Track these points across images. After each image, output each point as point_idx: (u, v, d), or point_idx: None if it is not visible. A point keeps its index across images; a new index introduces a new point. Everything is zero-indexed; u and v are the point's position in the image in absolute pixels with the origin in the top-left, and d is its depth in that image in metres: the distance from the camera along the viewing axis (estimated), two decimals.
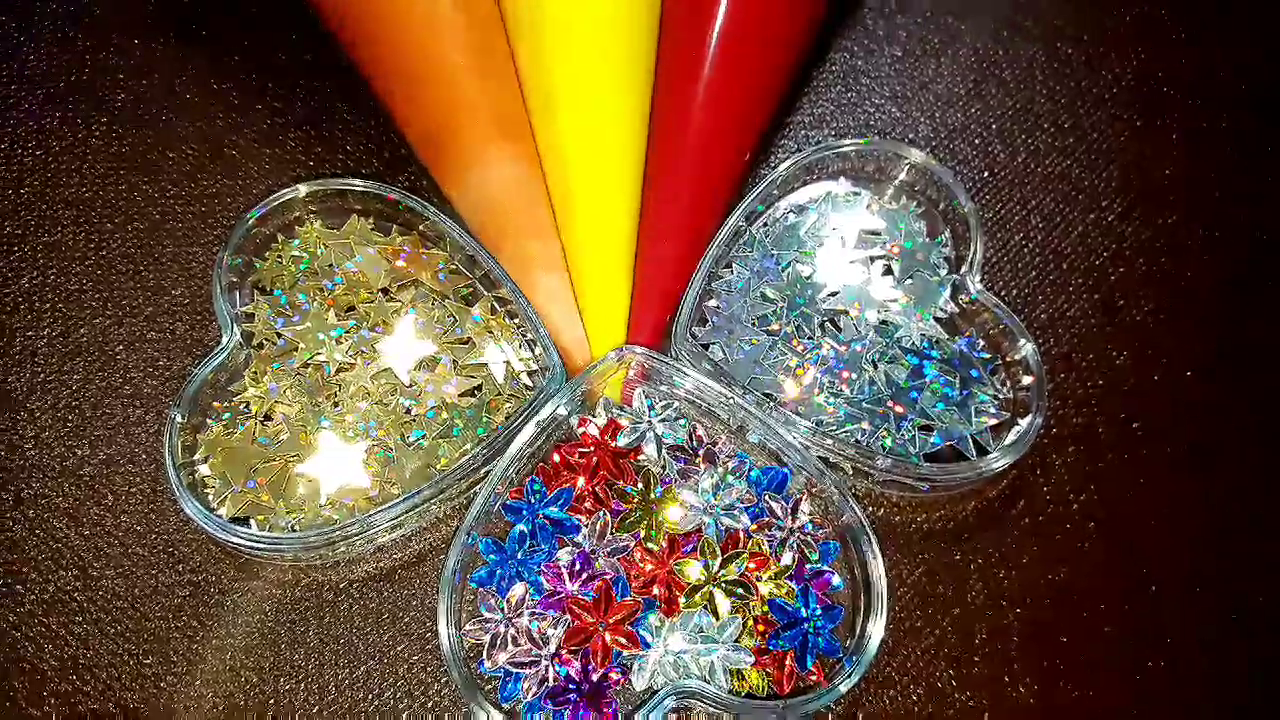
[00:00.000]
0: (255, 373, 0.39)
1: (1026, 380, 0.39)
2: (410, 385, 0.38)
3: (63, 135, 0.44)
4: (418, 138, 0.41)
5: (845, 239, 0.42)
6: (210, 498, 0.36)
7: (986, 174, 0.46)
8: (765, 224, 0.43)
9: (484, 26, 0.40)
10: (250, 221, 0.39)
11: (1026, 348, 0.39)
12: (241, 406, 0.38)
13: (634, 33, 0.41)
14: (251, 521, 0.36)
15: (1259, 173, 0.47)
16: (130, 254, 0.42)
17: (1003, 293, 0.44)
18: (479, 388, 0.39)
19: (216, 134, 0.44)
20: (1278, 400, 0.42)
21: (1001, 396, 0.39)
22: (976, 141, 0.47)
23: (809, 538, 0.36)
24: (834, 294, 0.41)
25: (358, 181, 0.41)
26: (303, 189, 0.40)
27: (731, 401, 0.37)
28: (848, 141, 0.43)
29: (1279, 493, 0.41)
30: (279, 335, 0.39)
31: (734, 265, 0.42)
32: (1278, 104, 0.48)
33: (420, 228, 0.41)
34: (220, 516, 0.36)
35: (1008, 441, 0.38)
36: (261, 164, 0.44)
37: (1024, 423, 0.38)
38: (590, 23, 0.39)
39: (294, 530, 0.36)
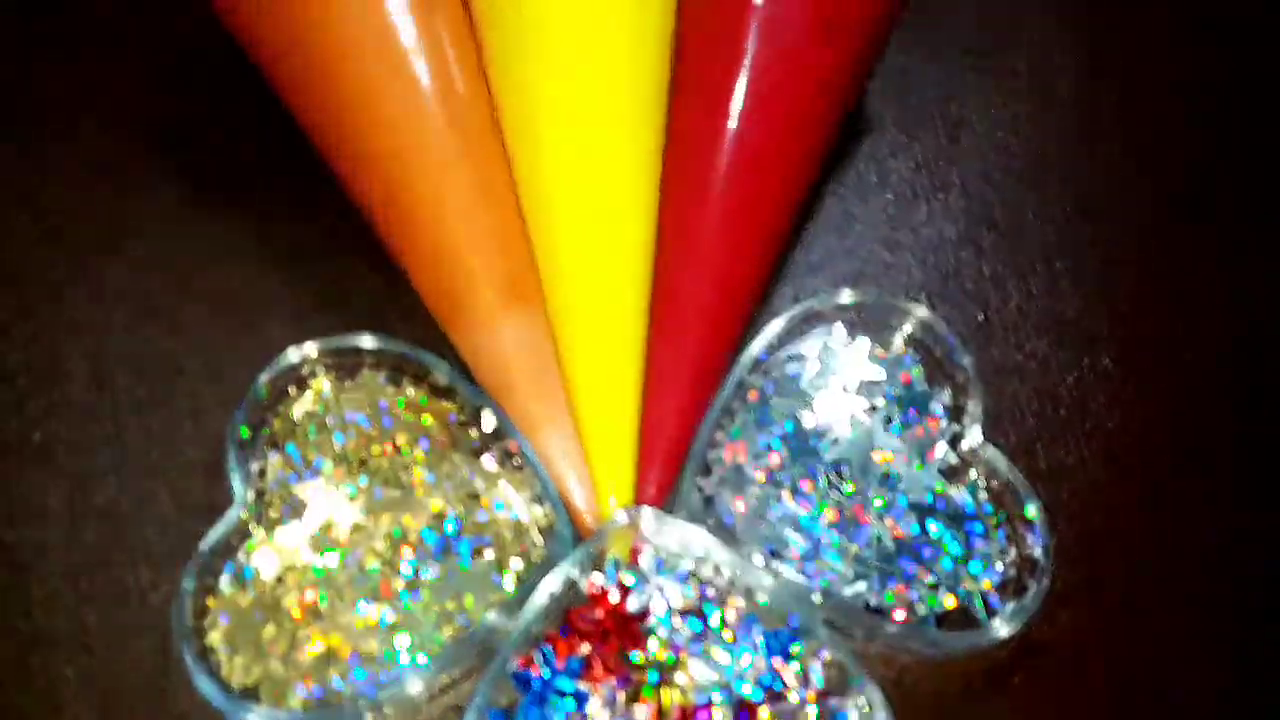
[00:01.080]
0: (267, 533, 0.39)
1: (1032, 538, 0.39)
2: (420, 545, 0.39)
3: (77, 284, 0.45)
4: (428, 298, 0.42)
5: (846, 388, 0.43)
6: (221, 666, 0.36)
7: (981, 318, 0.48)
8: (766, 373, 0.44)
9: (497, 195, 0.41)
10: (261, 383, 0.40)
11: (1031, 505, 0.40)
12: (251, 569, 0.38)
13: (638, 197, 0.42)
14: (261, 690, 0.36)
15: (1258, 315, 0.48)
16: (143, 410, 0.42)
17: (1002, 441, 0.44)
18: (489, 546, 0.39)
19: (233, 286, 0.45)
20: None
21: (1008, 553, 0.40)
22: (969, 286, 0.48)
23: (820, 706, 0.36)
24: (835, 443, 0.42)
25: (368, 338, 0.42)
26: (312, 349, 0.41)
27: (739, 561, 0.38)
28: (847, 292, 0.44)
29: None
30: (291, 494, 0.39)
31: (737, 416, 0.42)
32: None
33: (430, 379, 0.42)
34: (231, 689, 0.36)
35: (1016, 603, 0.38)
36: (278, 316, 0.44)
37: (1031, 583, 0.39)
38: (594, 200, 0.41)
39: (305, 702, 0.36)
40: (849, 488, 0.41)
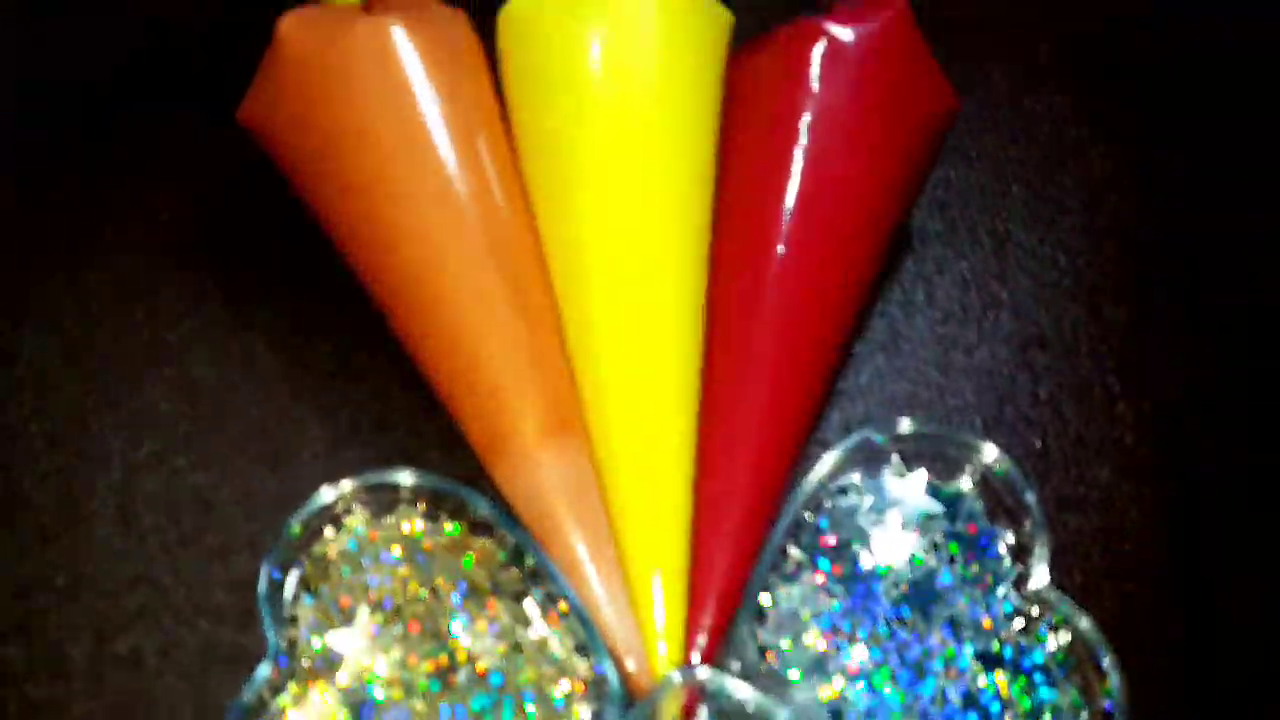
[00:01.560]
0: (300, 689, 0.37)
1: (1106, 693, 0.37)
2: (460, 700, 0.37)
3: (104, 413, 0.43)
4: (467, 429, 0.40)
5: (905, 524, 0.41)
6: None
7: (1038, 444, 0.46)
8: (820, 508, 0.42)
9: (538, 322, 0.40)
10: (293, 527, 0.38)
11: (1104, 655, 0.38)
12: None
13: (684, 325, 0.41)
14: None
15: None
16: (171, 551, 0.40)
17: (1066, 580, 0.42)
18: (533, 701, 0.37)
19: (266, 415, 0.43)
20: None
21: (1081, 709, 0.38)
22: (1025, 410, 0.47)
23: None
24: (896, 585, 0.40)
25: (405, 473, 0.40)
26: (347, 486, 0.39)
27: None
28: (905, 422, 0.42)
29: None
30: (325, 643, 0.37)
31: (791, 555, 0.41)
32: None
33: (471, 515, 0.40)
34: None
35: None
36: (312, 447, 0.43)
37: None
38: (640, 328, 0.40)
39: None
40: (910, 637, 0.38)
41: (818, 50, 0.43)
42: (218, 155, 0.48)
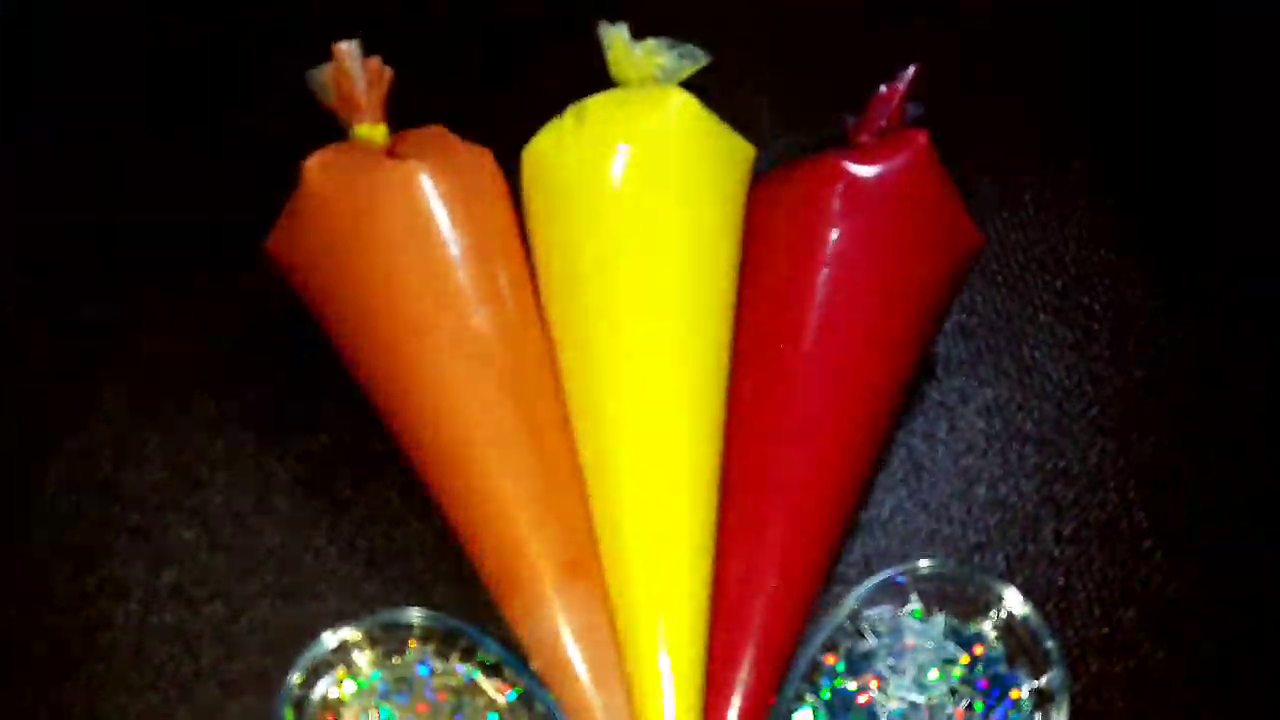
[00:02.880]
0: None
1: None
2: None
3: (123, 541, 0.44)
4: (481, 570, 0.40)
5: (923, 669, 0.41)
6: None
7: (1061, 583, 0.45)
8: (837, 651, 0.41)
9: (555, 466, 0.40)
10: (305, 668, 0.38)
11: None
12: None
13: (702, 467, 0.41)
14: None
15: None
16: (186, 686, 0.41)
17: None
18: None
19: (283, 549, 0.44)
20: None
21: None
22: (1049, 548, 0.46)
23: None
24: None
25: (416, 613, 0.40)
26: (348, 634, 0.39)
27: None
28: (925, 563, 0.42)
29: None
30: None
31: (807, 700, 0.40)
32: None
33: (480, 656, 0.40)
34: None
35: None
36: (330, 579, 0.43)
37: None
38: (658, 473, 0.39)
39: None
40: None
41: (838, 189, 0.43)
42: (242, 287, 0.49)
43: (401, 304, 0.40)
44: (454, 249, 0.41)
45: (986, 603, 0.42)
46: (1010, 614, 0.41)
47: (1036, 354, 0.52)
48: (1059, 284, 0.53)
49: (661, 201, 0.41)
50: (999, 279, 0.53)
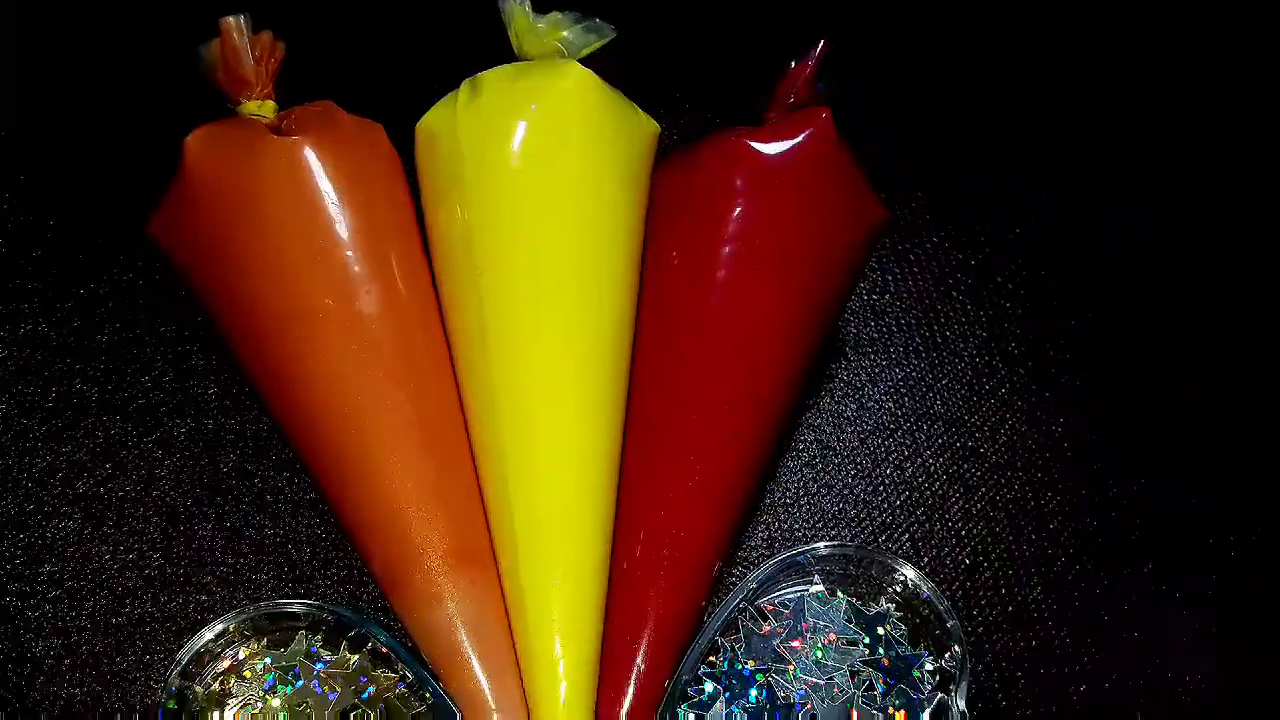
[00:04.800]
0: None
1: None
2: None
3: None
4: (371, 563, 0.39)
5: (823, 651, 0.40)
6: None
7: (967, 563, 0.45)
8: (736, 633, 0.41)
9: (446, 452, 0.39)
10: (185, 662, 0.37)
11: None
12: None
13: (599, 450, 0.40)
14: None
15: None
16: (64, 677, 0.39)
17: (990, 704, 0.41)
18: None
19: (170, 538, 0.43)
20: None
21: None
22: (955, 525, 0.46)
23: None
24: (812, 717, 0.39)
25: (298, 604, 0.39)
26: (229, 624, 0.38)
27: None
28: (824, 545, 0.41)
29: None
30: None
31: (706, 685, 0.39)
32: None
33: (370, 646, 0.39)
34: None
35: None
36: (217, 570, 0.42)
37: None
38: (552, 459, 0.39)
39: None
40: None
41: (741, 167, 0.42)
42: (126, 271, 0.47)
43: (285, 287, 0.39)
44: (341, 229, 0.39)
45: (889, 583, 0.41)
46: (913, 594, 0.41)
47: (948, 333, 0.51)
48: (973, 263, 0.53)
49: (559, 178, 0.40)
50: (911, 258, 0.53)
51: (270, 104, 0.42)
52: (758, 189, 0.42)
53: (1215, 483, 0.46)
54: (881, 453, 0.47)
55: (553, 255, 0.40)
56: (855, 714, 0.38)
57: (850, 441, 0.47)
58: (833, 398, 0.49)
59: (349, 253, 0.39)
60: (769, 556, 0.42)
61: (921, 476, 0.46)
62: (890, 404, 0.49)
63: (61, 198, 0.50)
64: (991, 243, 0.54)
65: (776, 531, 0.45)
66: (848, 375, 0.49)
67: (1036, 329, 0.51)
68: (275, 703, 0.38)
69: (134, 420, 0.44)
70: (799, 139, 0.42)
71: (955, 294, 0.52)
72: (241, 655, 0.39)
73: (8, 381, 0.45)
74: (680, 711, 0.38)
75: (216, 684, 0.38)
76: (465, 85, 0.41)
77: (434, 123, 0.41)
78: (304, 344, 0.39)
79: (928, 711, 0.39)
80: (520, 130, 0.40)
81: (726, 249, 0.41)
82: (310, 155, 0.39)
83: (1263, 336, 0.50)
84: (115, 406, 0.45)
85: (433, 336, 0.41)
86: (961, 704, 0.38)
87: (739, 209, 0.41)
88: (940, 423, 0.48)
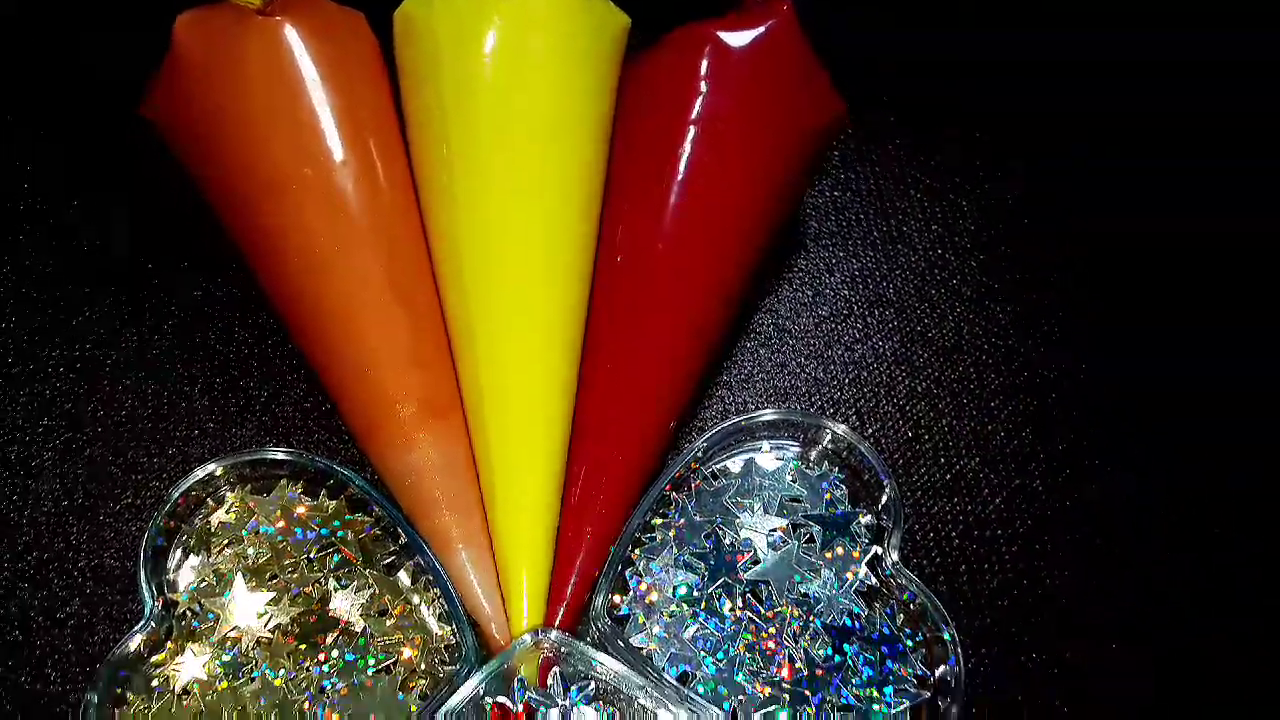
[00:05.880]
0: (176, 646, 0.39)
1: (946, 663, 0.39)
2: (328, 661, 0.38)
3: (4, 392, 0.46)
4: (351, 417, 0.42)
5: (768, 506, 0.43)
6: None
7: (909, 435, 0.48)
8: (688, 491, 0.44)
9: (417, 310, 0.42)
10: (174, 498, 0.40)
11: (946, 630, 0.39)
12: (160, 681, 0.38)
13: (564, 311, 0.42)
14: None
15: (1187, 440, 0.48)
16: (64, 520, 0.42)
17: (925, 561, 0.44)
18: (395, 663, 0.39)
19: (159, 399, 0.45)
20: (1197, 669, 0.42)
21: (922, 676, 0.39)
22: (901, 403, 0.48)
23: None
24: (755, 563, 0.42)
25: (281, 451, 0.42)
26: (218, 466, 0.41)
27: (646, 686, 0.37)
28: (770, 411, 0.44)
29: None
30: (202, 606, 0.39)
31: (657, 532, 0.42)
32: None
33: (347, 492, 0.42)
34: None
35: None
36: (201, 428, 0.45)
37: (944, 706, 0.38)
38: (520, 316, 0.41)
39: None
40: (766, 609, 0.40)
41: (705, 54, 0.44)
42: (122, 145, 0.50)
43: (269, 159, 0.42)
44: (321, 106, 0.42)
45: (830, 447, 0.44)
46: (851, 455, 0.43)
47: (904, 228, 0.54)
48: (932, 163, 0.55)
49: (531, 63, 0.42)
50: (873, 158, 0.55)
51: None
52: (721, 75, 0.44)
53: (1144, 366, 0.49)
54: (834, 336, 0.50)
55: (522, 135, 0.42)
56: (795, 562, 0.41)
57: (806, 325, 0.50)
58: (791, 285, 0.51)
59: (328, 128, 0.42)
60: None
61: (870, 358, 0.49)
62: (846, 291, 0.51)
63: (58, 80, 0.52)
64: (950, 146, 0.56)
65: (731, 405, 0.47)
66: (806, 264, 0.52)
67: (987, 226, 0.53)
68: (255, 543, 0.41)
69: (128, 287, 0.47)
70: (761, 29, 0.44)
71: (913, 192, 0.55)
72: (227, 500, 0.42)
73: (9, 251, 0.48)
74: (634, 557, 0.41)
75: (203, 525, 0.41)
76: None
77: (411, 9, 0.44)
78: (285, 212, 0.41)
79: (863, 563, 0.42)
80: (495, 18, 0.42)
81: (691, 131, 0.44)
82: (293, 36, 0.41)
83: (1198, 221, 0.53)
84: (111, 273, 0.47)
85: (406, 207, 0.43)
86: (894, 555, 0.41)
87: (703, 94, 0.44)
88: (891, 309, 0.51)
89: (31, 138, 0.51)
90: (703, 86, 0.44)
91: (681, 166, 0.44)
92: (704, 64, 0.44)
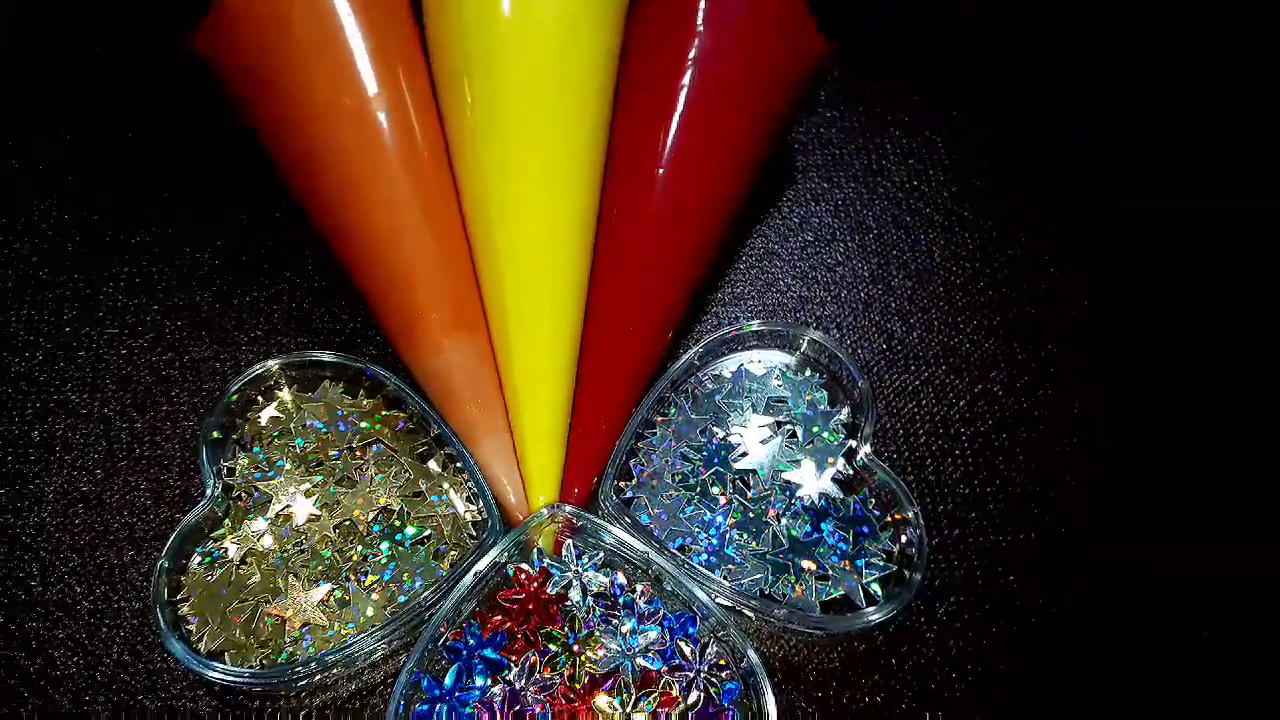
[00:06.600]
0: (233, 522, 0.44)
1: (910, 539, 0.45)
2: (368, 535, 0.44)
3: (73, 304, 0.51)
4: (385, 323, 0.48)
5: (756, 406, 0.49)
6: (191, 633, 0.42)
7: (884, 347, 0.53)
8: (686, 392, 0.49)
9: (447, 233, 0.47)
10: (231, 393, 0.45)
11: (910, 510, 0.45)
12: (219, 551, 0.44)
13: (574, 234, 0.47)
14: (225, 655, 0.41)
15: (1131, 352, 0.53)
16: (128, 413, 0.48)
17: (896, 455, 0.50)
18: (429, 537, 0.44)
19: (213, 307, 0.51)
20: (1121, 556, 0.48)
21: (890, 551, 0.45)
22: (877, 319, 0.54)
23: (714, 678, 0.41)
24: (744, 455, 0.47)
25: (327, 354, 0.47)
26: (274, 364, 0.46)
27: (648, 554, 0.43)
28: (756, 322, 0.50)
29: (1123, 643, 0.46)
30: (255, 489, 0.45)
31: (658, 428, 0.48)
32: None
33: (384, 391, 0.47)
34: (199, 652, 0.41)
35: (894, 593, 0.43)
36: (251, 333, 0.50)
37: (909, 576, 0.44)
38: (535, 238, 0.46)
39: (261, 666, 0.41)
40: (753, 494, 0.46)
41: (701, 1, 0.49)
42: (171, 84, 0.55)
43: (310, 90, 0.46)
44: (356, 43, 0.46)
45: (811, 354, 0.50)
46: (831, 363, 0.49)
47: (884, 162, 0.59)
48: (913, 101, 0.61)
49: (545, 8, 0.47)
50: (856, 98, 0.60)
51: None
52: (716, 19, 0.49)
53: (1096, 283, 0.55)
54: (818, 258, 0.55)
55: (536, 69, 0.47)
56: (780, 454, 0.47)
57: (792, 248, 0.55)
58: (780, 212, 0.56)
59: (362, 63, 0.46)
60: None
61: (850, 278, 0.55)
62: (829, 219, 0.57)
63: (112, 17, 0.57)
64: (929, 92, 0.61)
65: (725, 319, 0.53)
66: (794, 193, 0.57)
67: (959, 162, 0.59)
68: (303, 435, 0.46)
69: (182, 218, 0.52)
70: None
71: (894, 130, 0.60)
72: (277, 397, 0.47)
73: (80, 169, 0.53)
74: (638, 447, 0.47)
75: (255, 419, 0.47)
76: None
77: None
78: (326, 136, 0.46)
79: (840, 454, 0.47)
80: None
81: (690, 69, 0.49)
82: None
83: (1151, 155, 0.58)
84: (165, 211, 0.52)
85: (432, 134, 0.48)
86: (867, 448, 0.47)
87: (699, 36, 0.49)
88: (870, 235, 0.56)
89: (94, 63, 0.56)
90: (699, 28, 0.49)
91: (681, 100, 0.49)
92: (699, 10, 0.49)
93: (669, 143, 0.49)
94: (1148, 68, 0.63)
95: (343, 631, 0.42)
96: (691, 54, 0.49)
